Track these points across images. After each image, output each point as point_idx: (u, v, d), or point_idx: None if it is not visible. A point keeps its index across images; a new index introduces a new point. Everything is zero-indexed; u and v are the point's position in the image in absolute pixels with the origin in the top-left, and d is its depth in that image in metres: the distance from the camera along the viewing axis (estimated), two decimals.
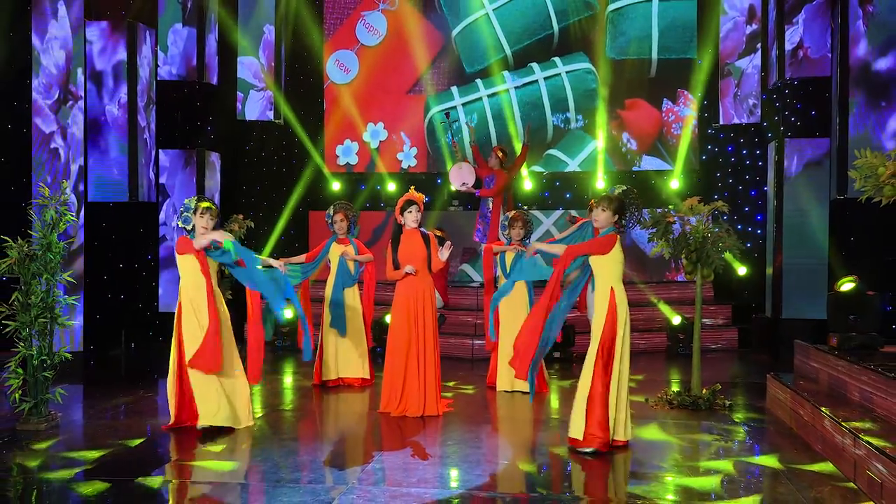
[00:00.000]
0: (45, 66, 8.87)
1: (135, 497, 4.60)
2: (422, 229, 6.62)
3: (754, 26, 11.50)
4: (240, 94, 12.06)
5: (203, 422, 5.89)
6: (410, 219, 6.54)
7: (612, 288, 5.40)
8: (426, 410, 6.46)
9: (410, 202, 6.54)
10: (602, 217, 5.46)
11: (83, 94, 9.19)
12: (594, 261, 5.46)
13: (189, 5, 10.77)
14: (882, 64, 8.89)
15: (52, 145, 8.92)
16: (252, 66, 12.06)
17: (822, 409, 5.49)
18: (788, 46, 10.16)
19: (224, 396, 5.89)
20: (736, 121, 11.74)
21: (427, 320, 6.52)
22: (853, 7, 9.15)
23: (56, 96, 8.94)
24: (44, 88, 8.87)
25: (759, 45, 11.37)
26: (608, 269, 5.43)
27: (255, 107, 12.13)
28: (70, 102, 9.05)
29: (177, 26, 10.71)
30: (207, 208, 5.94)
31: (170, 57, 10.70)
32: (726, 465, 5.21)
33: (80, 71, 9.14)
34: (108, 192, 9.42)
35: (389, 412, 6.51)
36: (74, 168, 9.06)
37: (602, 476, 5.03)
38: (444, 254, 6.51)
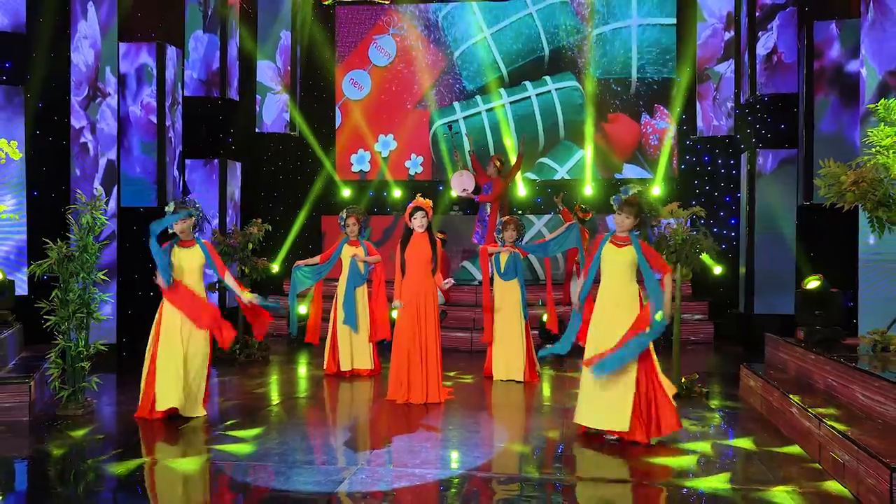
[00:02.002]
0: (76, 64, 8.73)
1: (161, 476, 4.62)
2: (431, 233, 6.63)
3: (733, 32, 11.38)
4: (257, 97, 12.06)
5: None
6: (417, 224, 6.56)
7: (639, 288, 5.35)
8: (429, 398, 6.47)
9: (417, 208, 6.56)
10: (627, 223, 5.31)
11: (111, 92, 8.99)
12: (620, 260, 5.32)
13: (209, 12, 10.64)
14: (853, 66, 8.82)
15: (82, 140, 8.79)
16: (269, 69, 12.08)
17: (790, 396, 5.51)
18: (763, 52, 10.02)
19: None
20: (715, 122, 11.64)
21: (429, 316, 6.53)
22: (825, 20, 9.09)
23: (85, 93, 8.79)
24: (73, 85, 8.74)
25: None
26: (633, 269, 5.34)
27: (272, 109, 12.14)
28: (98, 99, 8.89)
29: (198, 33, 10.58)
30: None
31: (191, 62, 10.57)
32: (703, 447, 5.22)
33: (108, 69, 8.95)
34: (131, 188, 9.29)
35: (395, 400, 6.53)
36: (102, 162, 8.90)
37: (589, 457, 5.03)
38: (445, 284, 6.68)
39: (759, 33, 10.11)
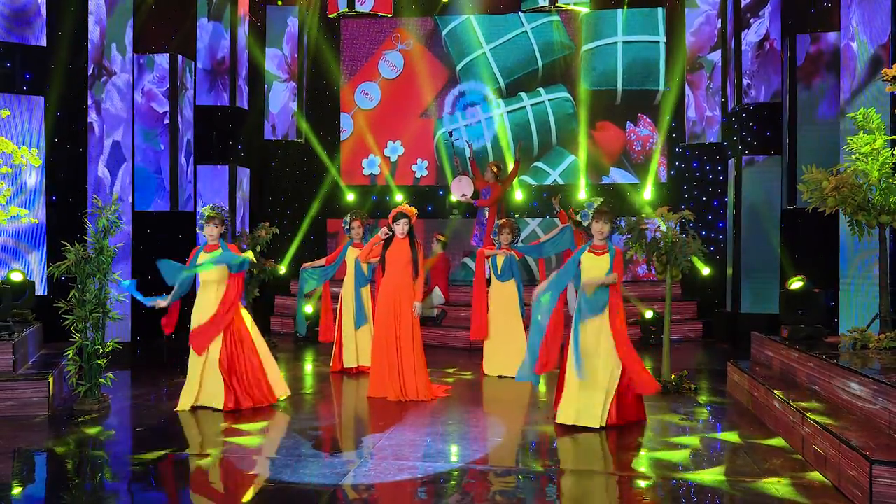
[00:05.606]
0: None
1: (174, 468, 4.62)
2: (412, 238, 6.57)
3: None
4: (265, 86, 12.03)
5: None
6: (398, 229, 6.55)
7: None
8: (406, 395, 6.40)
9: (401, 215, 6.53)
10: (606, 229, 5.56)
11: (117, 70, 8.59)
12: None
13: (214, 1, 10.24)
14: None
15: (88, 119, 8.42)
16: (276, 57, 12.07)
17: (775, 391, 5.51)
18: (755, 38, 9.77)
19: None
20: (708, 113, 11.50)
21: (404, 315, 6.48)
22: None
23: (91, 71, 8.35)
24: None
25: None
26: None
27: (278, 97, 12.13)
28: (104, 78, 8.44)
29: (202, 21, 10.27)
30: (211, 217, 6.09)
31: (196, 51, 10.27)
32: (692, 440, 5.22)
33: (114, 46, 8.49)
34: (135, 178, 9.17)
35: (375, 396, 6.49)
36: (108, 143, 8.55)
37: (583, 451, 5.04)
38: (419, 307, 6.52)
39: (752, 20, 9.80)
